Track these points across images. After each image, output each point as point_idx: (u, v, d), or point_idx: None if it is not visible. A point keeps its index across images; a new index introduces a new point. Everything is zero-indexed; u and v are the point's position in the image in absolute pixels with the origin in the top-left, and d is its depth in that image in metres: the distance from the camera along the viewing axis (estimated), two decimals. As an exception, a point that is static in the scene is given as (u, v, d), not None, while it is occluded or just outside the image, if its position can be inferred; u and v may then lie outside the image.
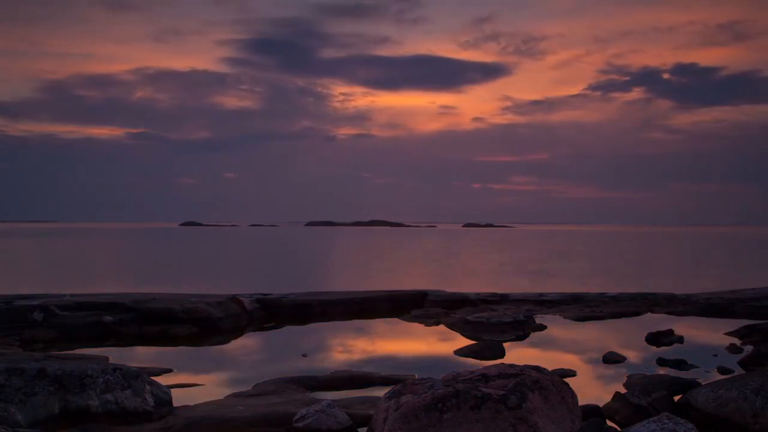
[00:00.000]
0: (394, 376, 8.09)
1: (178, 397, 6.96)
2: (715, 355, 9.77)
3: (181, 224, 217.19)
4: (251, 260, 41.41)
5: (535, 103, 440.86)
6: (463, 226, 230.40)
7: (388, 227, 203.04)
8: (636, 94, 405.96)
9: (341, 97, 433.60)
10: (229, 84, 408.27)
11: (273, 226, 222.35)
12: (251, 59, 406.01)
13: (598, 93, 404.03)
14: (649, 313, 14.23)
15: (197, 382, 8.14)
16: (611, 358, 9.50)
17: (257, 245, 66.92)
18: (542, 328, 12.36)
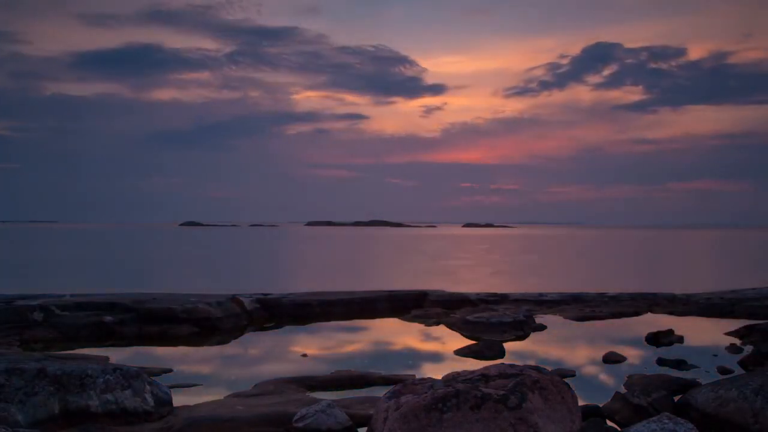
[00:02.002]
0: (394, 376, 8.08)
1: (178, 397, 6.96)
2: (715, 355, 9.77)
3: (181, 224, 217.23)
4: (251, 260, 41.40)
5: (525, 99, 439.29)
6: (463, 226, 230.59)
7: (388, 227, 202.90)
8: (627, 87, 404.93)
9: (331, 93, 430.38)
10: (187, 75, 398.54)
11: (273, 225, 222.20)
12: (212, 48, 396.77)
13: (589, 88, 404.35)
14: (649, 313, 14.23)
15: (197, 382, 8.13)
16: (611, 358, 9.50)
17: (257, 245, 66.89)
18: (542, 328, 12.36)
